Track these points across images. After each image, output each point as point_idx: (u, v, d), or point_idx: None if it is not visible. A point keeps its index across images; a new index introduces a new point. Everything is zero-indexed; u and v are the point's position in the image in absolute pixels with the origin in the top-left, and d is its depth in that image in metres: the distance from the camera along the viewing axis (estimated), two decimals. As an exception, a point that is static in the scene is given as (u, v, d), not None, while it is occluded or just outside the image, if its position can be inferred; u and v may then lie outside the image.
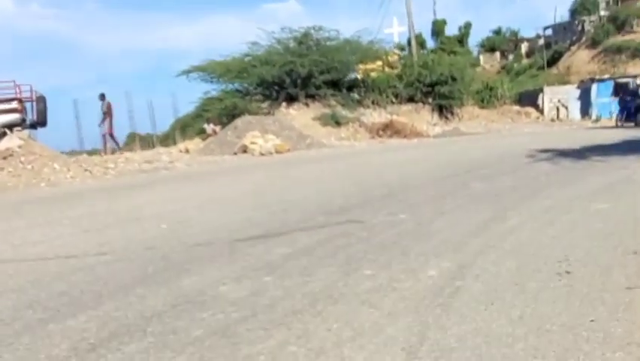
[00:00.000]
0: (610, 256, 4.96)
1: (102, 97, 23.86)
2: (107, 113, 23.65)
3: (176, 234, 6.90)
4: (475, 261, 4.98)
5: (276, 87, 31.82)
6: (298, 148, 21.63)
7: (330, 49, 32.30)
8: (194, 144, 24.93)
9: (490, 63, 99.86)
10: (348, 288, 4.38)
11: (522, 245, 5.49)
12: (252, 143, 20.35)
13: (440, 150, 19.56)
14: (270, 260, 5.37)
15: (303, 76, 30.87)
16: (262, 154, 19.69)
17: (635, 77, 48.18)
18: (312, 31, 32.53)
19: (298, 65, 30.59)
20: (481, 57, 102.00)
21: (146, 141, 38.43)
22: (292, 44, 32.27)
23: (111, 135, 24.05)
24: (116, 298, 4.44)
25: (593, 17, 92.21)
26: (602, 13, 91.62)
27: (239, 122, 23.83)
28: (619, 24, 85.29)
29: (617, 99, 43.64)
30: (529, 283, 4.28)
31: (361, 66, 35.98)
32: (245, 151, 20.29)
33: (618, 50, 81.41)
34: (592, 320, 3.51)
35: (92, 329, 3.80)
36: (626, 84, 44.00)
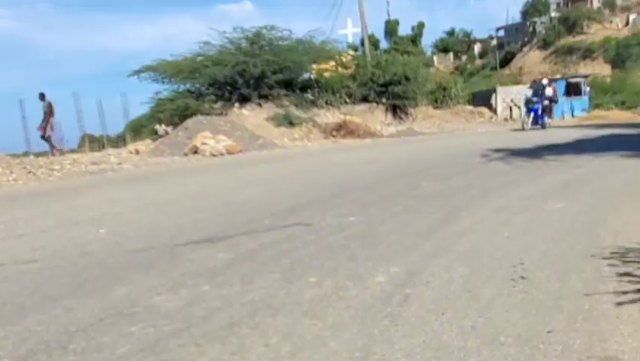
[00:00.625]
0: (567, 260, 4.75)
1: (42, 97, 23.11)
2: (48, 113, 22.92)
3: (115, 238, 6.52)
4: (426, 266, 4.74)
5: (229, 87, 31.38)
6: (250, 149, 21.26)
7: (282, 49, 31.94)
8: (145, 145, 24.41)
9: (443, 64, 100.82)
10: (291, 297, 4.09)
11: (475, 248, 5.26)
12: (203, 144, 19.93)
13: (393, 150, 19.35)
14: (211, 266, 5.06)
15: (255, 76, 30.49)
16: (213, 155, 19.29)
17: (586, 76, 48.77)
18: (265, 30, 32.15)
19: (250, 65, 30.19)
20: (435, 58, 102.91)
21: (99, 143, 37.74)
22: (244, 44, 31.81)
23: (43, 137, 23.27)
24: (40, 311, 4.09)
25: (544, 18, 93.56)
26: (553, 14, 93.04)
27: (190, 122, 23.38)
28: (569, 25, 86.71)
29: (569, 98, 44.19)
30: (483, 289, 4.03)
31: (315, 66, 35.74)
32: (196, 152, 19.87)
33: (569, 50, 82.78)
34: (549, 331, 3.27)
35: (7, 347, 3.45)
36: (539, 83, 44.44)
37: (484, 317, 3.51)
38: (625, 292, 3.85)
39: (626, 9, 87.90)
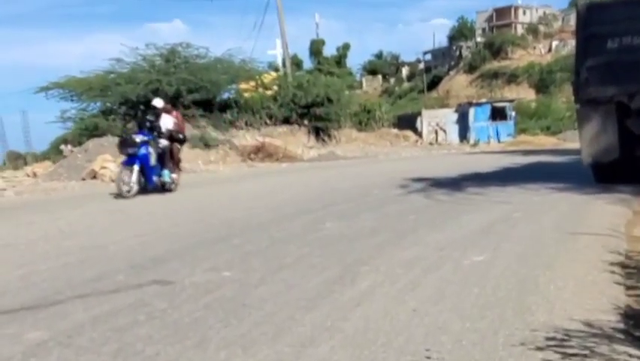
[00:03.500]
0: (487, 352, 3.44)
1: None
2: None
3: None
4: (299, 357, 3.38)
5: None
6: (154, 173, 19.62)
7: (199, 67, 30.41)
8: (44, 167, 22.56)
9: (372, 86, 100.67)
10: None
11: (369, 327, 3.94)
12: (103, 168, 18.27)
13: (307, 178, 17.99)
14: (12, 353, 3.72)
15: (170, 95, 28.78)
16: (113, 180, 17.59)
17: (511, 101, 48.61)
18: (180, 48, 30.64)
19: (165, 83, 28.57)
20: (364, 80, 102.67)
21: (25, 160, 35.32)
22: (159, 61, 30.23)
23: None
24: None
25: (470, 43, 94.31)
26: (479, 39, 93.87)
27: (90, 144, 21.67)
28: (494, 50, 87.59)
29: (494, 123, 43.79)
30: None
31: (242, 86, 34.22)
32: (94, 177, 18.19)
33: (494, 75, 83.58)
34: None
35: None
36: (464, 106, 44.00)
37: None
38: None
39: (549, 35, 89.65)
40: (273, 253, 6.48)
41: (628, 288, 4.72)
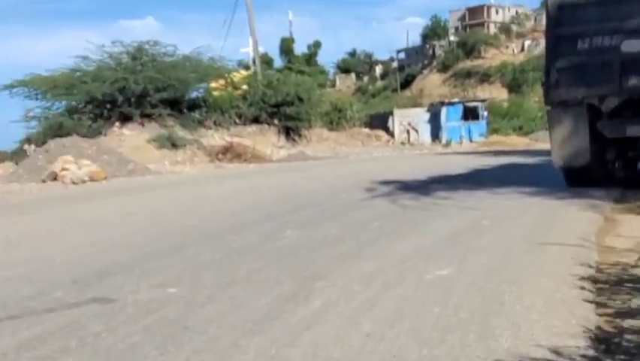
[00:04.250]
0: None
1: None
2: None
3: None
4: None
5: (109, 105, 29.14)
6: (118, 175, 19.11)
7: (167, 65, 30.02)
8: (4, 168, 21.95)
9: (346, 84, 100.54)
10: None
11: (318, 354, 3.61)
12: (64, 169, 17.73)
13: (274, 180, 17.57)
14: None
15: (137, 94, 28.44)
16: (74, 183, 17.10)
17: (483, 100, 48.55)
18: (147, 46, 30.15)
19: (131, 81, 28.14)
20: (337, 78, 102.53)
21: None
22: (125, 59, 29.73)
23: None
24: None
25: (443, 42, 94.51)
26: (452, 38, 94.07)
27: (51, 144, 21.04)
28: (468, 49, 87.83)
29: (466, 123, 43.65)
30: None
31: (212, 85, 33.70)
32: (55, 178, 17.67)
33: (468, 74, 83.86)
34: None
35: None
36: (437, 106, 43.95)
37: None
38: None
39: (521, 35, 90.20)
40: (227, 265, 6.11)
41: (598, 306, 4.40)
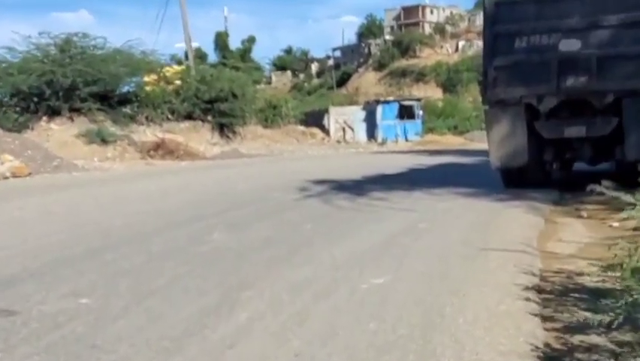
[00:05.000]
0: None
1: None
2: None
3: None
4: None
5: (36, 99, 28.11)
6: (42, 171, 18.29)
7: (97, 59, 29.02)
8: None
9: (282, 81, 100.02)
10: None
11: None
12: (-21, 165, 16.91)
13: (205, 178, 17.00)
14: None
15: (65, 87, 27.46)
16: (-7, 178, 16.29)
17: (419, 99, 48.67)
18: (76, 38, 29.16)
19: (59, 74, 27.15)
20: (273, 75, 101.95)
21: None
22: (53, 51, 28.71)
23: None
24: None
25: (379, 41, 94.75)
26: (387, 37, 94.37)
27: (-31, 139, 20.09)
28: (403, 48, 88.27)
29: (402, 122, 43.65)
30: None
31: (146, 79, 32.80)
32: (-30, 175, 16.80)
33: (403, 73, 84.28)
34: None
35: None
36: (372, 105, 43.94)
37: None
38: None
39: (455, 35, 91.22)
40: (147, 272, 5.64)
41: (545, 319, 4.09)
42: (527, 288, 4.82)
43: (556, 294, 4.72)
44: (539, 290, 4.80)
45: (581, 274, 5.28)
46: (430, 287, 4.89)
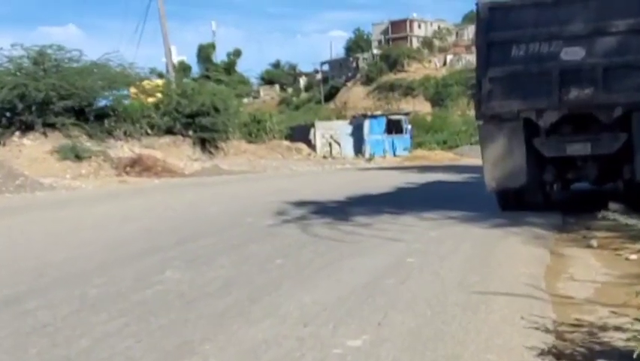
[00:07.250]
0: None
1: None
2: None
3: None
4: None
5: (8, 113, 27.10)
6: (3, 190, 17.17)
7: (72, 72, 28.08)
8: None
9: (270, 95, 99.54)
10: None
11: None
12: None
13: (175, 199, 15.72)
14: None
15: (38, 101, 26.44)
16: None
17: (407, 113, 47.95)
18: (50, 50, 28.17)
19: (32, 88, 26.12)
20: (261, 90, 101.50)
21: None
22: (26, 64, 27.74)
23: None
24: None
25: (367, 55, 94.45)
26: (375, 51, 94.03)
27: None
28: (391, 62, 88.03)
29: (390, 136, 42.81)
30: None
31: (133, 91, 31.84)
32: None
33: (391, 87, 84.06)
34: None
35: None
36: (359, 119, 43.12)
37: None
38: None
39: (443, 49, 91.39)
40: (70, 328, 4.53)
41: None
42: (543, 353, 3.79)
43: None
44: (558, 355, 3.77)
45: (605, 328, 4.28)
46: (421, 354, 3.82)
